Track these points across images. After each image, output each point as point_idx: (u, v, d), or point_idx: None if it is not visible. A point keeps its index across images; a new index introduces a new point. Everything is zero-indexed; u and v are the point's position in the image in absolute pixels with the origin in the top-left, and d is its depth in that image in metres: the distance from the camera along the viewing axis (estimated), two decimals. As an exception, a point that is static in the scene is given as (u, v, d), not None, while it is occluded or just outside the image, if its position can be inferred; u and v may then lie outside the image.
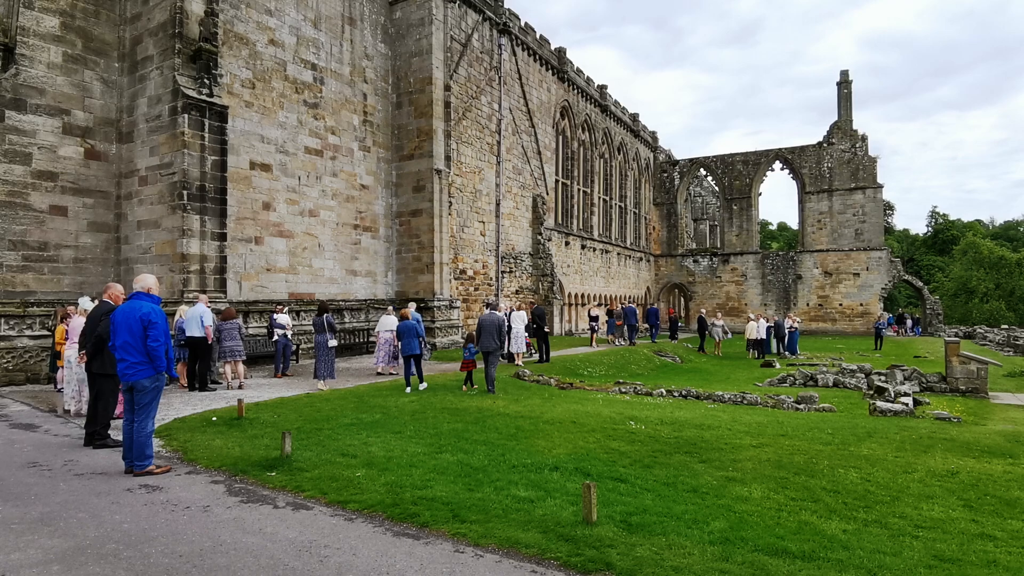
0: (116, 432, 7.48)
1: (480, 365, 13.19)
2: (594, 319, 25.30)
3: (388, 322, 15.23)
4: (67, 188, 14.32)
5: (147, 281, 6.77)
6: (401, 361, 14.37)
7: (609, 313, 27.77)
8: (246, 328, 15.47)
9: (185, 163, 13.82)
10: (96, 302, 8.34)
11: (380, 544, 4.45)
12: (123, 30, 15.24)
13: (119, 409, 8.00)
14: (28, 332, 13.29)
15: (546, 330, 19.00)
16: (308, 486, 5.77)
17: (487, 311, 13.18)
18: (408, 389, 11.94)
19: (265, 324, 16.69)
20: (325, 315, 12.83)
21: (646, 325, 29.40)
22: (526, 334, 18.02)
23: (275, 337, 14.45)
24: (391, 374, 14.89)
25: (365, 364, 17.28)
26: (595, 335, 25.00)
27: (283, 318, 14.54)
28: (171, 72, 14.08)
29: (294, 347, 16.21)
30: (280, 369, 14.46)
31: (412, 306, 14.82)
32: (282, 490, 5.73)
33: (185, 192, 13.81)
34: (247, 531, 4.69)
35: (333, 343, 12.81)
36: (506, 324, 15.70)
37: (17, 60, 13.44)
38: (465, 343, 13.14)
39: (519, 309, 18.43)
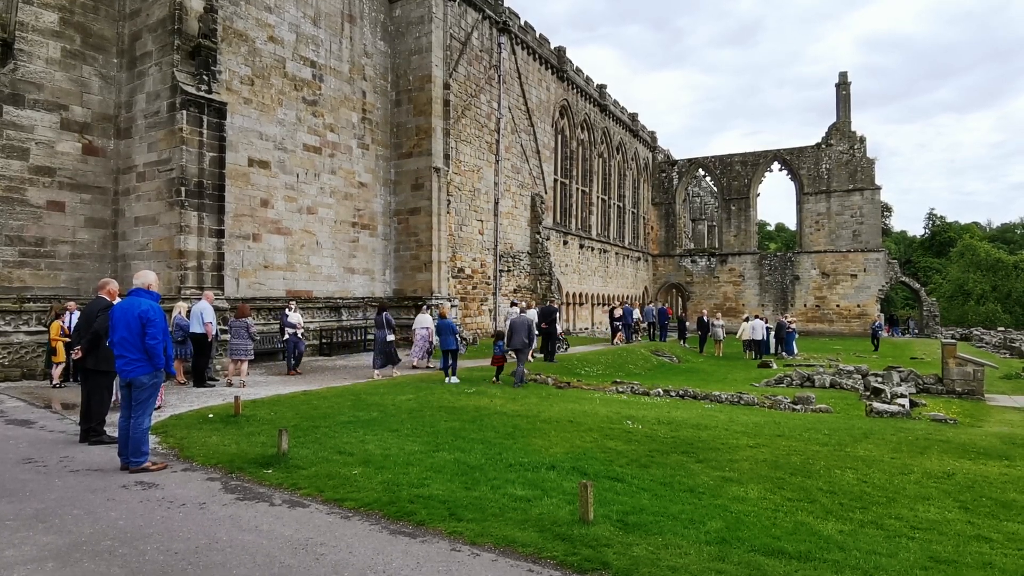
0: (112, 428, 7.46)
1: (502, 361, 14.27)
2: (618, 319, 25.91)
3: (424, 320, 16.32)
4: (65, 184, 14.27)
5: (147, 278, 6.76)
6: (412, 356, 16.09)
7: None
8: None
9: (183, 159, 13.78)
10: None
11: (376, 542, 4.44)
12: (122, 26, 15.19)
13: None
14: (24, 328, 13.27)
15: (556, 329, 19.52)
16: (304, 484, 5.76)
17: (516, 312, 14.80)
18: (447, 380, 13.10)
19: (262, 321, 16.68)
20: (384, 313, 14.30)
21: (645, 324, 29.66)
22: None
23: (286, 336, 14.44)
24: (428, 367, 15.89)
25: (363, 362, 17.27)
26: (619, 335, 25.68)
27: (294, 316, 14.51)
28: (170, 68, 14.03)
29: (304, 345, 15.87)
30: (291, 367, 14.39)
31: (447, 304, 16.30)
32: (278, 488, 5.72)
33: (183, 188, 13.77)
34: (243, 528, 4.68)
35: (391, 337, 14.31)
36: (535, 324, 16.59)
37: (16, 55, 13.38)
38: (495, 340, 14.32)
39: (528, 308, 18.76)
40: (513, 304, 18.79)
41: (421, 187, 21.40)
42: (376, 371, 14.15)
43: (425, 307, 18.16)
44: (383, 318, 14.21)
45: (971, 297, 53.98)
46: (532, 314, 18.22)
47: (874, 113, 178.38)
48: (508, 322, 14.17)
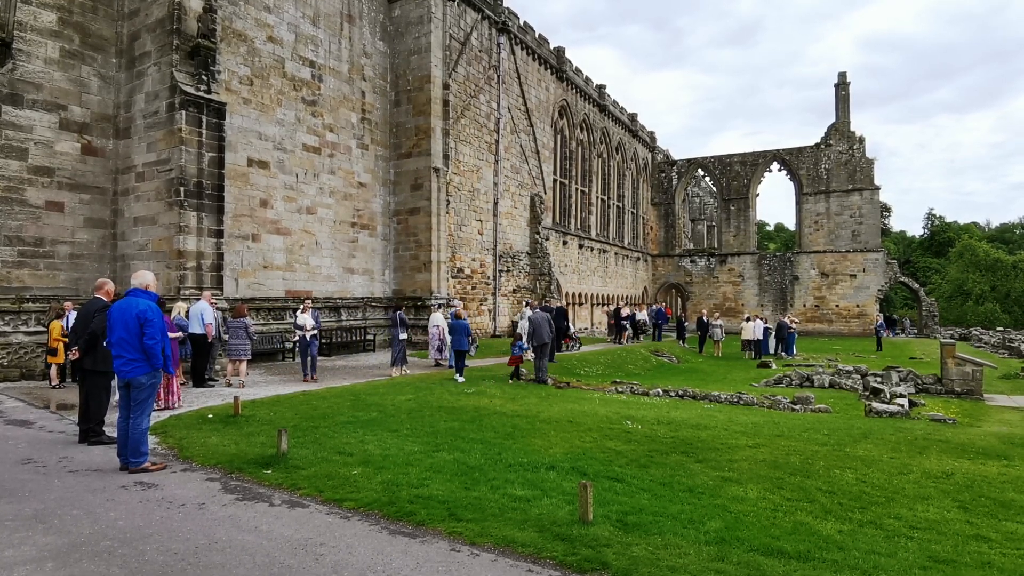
0: (111, 429, 7.45)
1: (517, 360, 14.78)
2: (625, 319, 26.37)
3: (436, 319, 16.88)
4: (64, 184, 14.26)
5: (145, 278, 6.75)
6: (446, 353, 16.48)
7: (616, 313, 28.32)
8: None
9: (182, 159, 13.77)
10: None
11: (376, 542, 4.44)
12: (121, 26, 15.18)
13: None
14: (23, 328, 13.26)
15: (568, 328, 20.05)
16: (304, 484, 5.76)
17: (537, 310, 15.51)
18: (456, 378, 13.48)
19: (262, 321, 16.71)
20: (398, 312, 14.91)
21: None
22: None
23: (296, 337, 13.82)
24: (439, 365, 16.28)
25: (363, 362, 17.29)
26: (625, 334, 26.24)
27: (303, 317, 13.37)
28: (169, 68, 14.02)
29: (318, 345, 14.32)
30: (305, 372, 13.28)
31: (460, 304, 16.94)
32: (278, 488, 5.72)
33: (182, 188, 13.76)
34: (242, 529, 4.68)
35: (404, 336, 14.68)
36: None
37: (14, 55, 13.37)
38: (513, 341, 14.76)
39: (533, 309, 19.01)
40: (526, 304, 19.12)
41: (420, 187, 21.39)
42: (394, 369, 14.64)
43: (437, 306, 18.70)
44: (397, 316, 14.86)
45: (970, 297, 54.00)
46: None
47: (874, 113, 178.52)
48: (529, 320, 14.65)
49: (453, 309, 16.54)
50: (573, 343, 22.67)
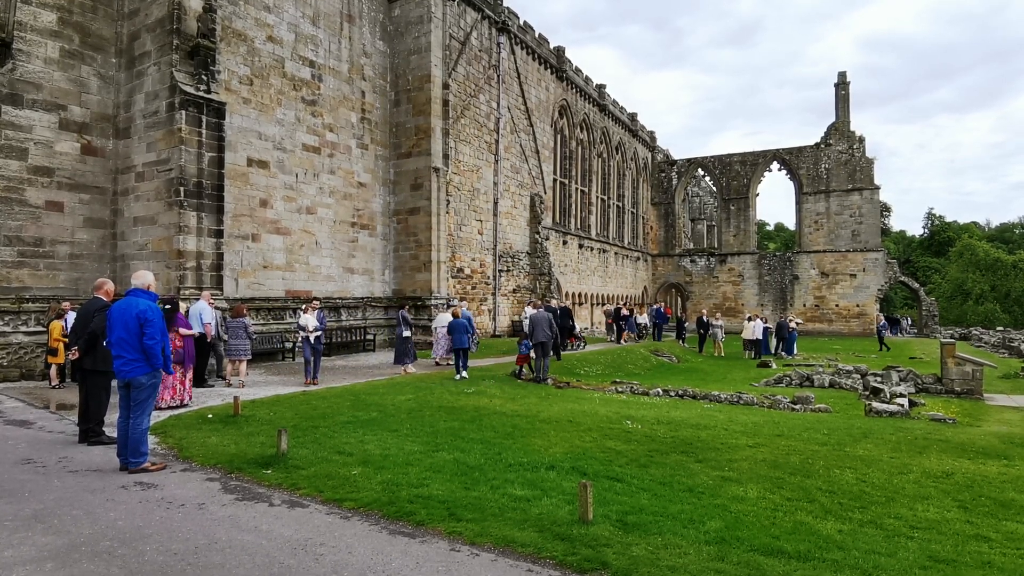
0: (111, 429, 7.44)
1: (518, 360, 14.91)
2: (623, 319, 26.56)
3: (443, 319, 16.84)
4: (63, 184, 14.25)
5: (146, 278, 6.74)
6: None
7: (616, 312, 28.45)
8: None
9: (182, 159, 13.76)
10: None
11: (376, 542, 4.44)
12: (120, 26, 15.18)
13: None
14: (23, 328, 13.26)
15: (573, 327, 20.51)
16: (304, 484, 5.76)
17: (539, 309, 15.66)
18: (456, 377, 13.65)
19: (261, 321, 16.70)
20: (402, 311, 15.21)
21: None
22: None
23: (300, 339, 13.22)
24: (448, 364, 16.16)
25: (363, 362, 17.29)
26: (625, 334, 26.49)
27: (306, 318, 12.85)
28: (169, 68, 14.01)
29: (323, 348, 13.73)
30: (307, 373, 12.76)
31: (464, 304, 17.02)
32: (278, 488, 5.72)
33: (182, 188, 13.76)
34: (242, 529, 4.67)
35: (407, 334, 14.80)
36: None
37: (14, 55, 13.37)
38: (519, 340, 15.10)
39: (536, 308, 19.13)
40: (529, 303, 19.35)
41: (420, 187, 21.39)
42: (399, 367, 14.69)
43: (445, 306, 19.01)
44: (400, 315, 15.09)
45: (970, 297, 54.03)
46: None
47: (873, 113, 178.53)
48: (529, 319, 14.75)
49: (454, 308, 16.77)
50: (578, 342, 22.74)
